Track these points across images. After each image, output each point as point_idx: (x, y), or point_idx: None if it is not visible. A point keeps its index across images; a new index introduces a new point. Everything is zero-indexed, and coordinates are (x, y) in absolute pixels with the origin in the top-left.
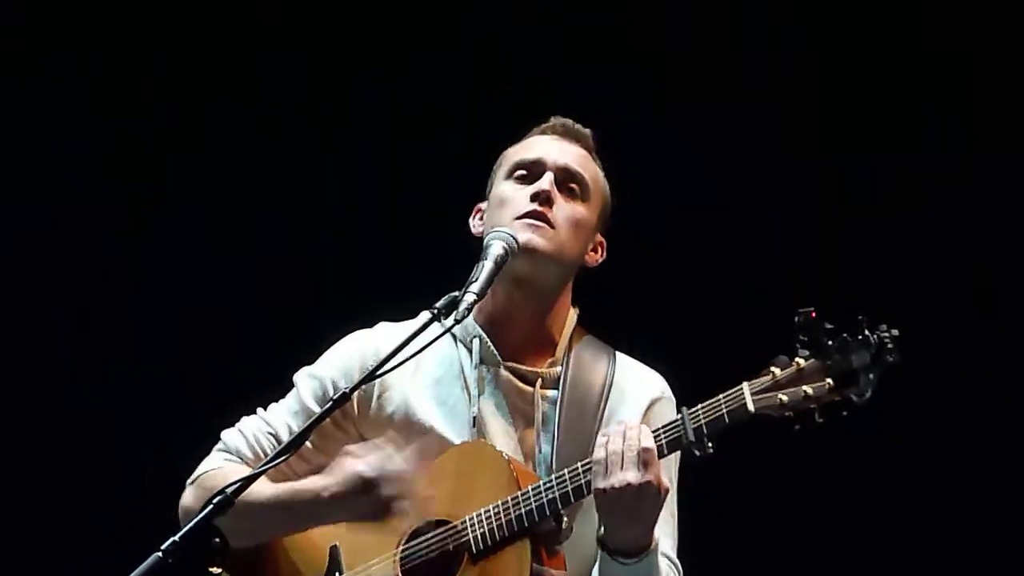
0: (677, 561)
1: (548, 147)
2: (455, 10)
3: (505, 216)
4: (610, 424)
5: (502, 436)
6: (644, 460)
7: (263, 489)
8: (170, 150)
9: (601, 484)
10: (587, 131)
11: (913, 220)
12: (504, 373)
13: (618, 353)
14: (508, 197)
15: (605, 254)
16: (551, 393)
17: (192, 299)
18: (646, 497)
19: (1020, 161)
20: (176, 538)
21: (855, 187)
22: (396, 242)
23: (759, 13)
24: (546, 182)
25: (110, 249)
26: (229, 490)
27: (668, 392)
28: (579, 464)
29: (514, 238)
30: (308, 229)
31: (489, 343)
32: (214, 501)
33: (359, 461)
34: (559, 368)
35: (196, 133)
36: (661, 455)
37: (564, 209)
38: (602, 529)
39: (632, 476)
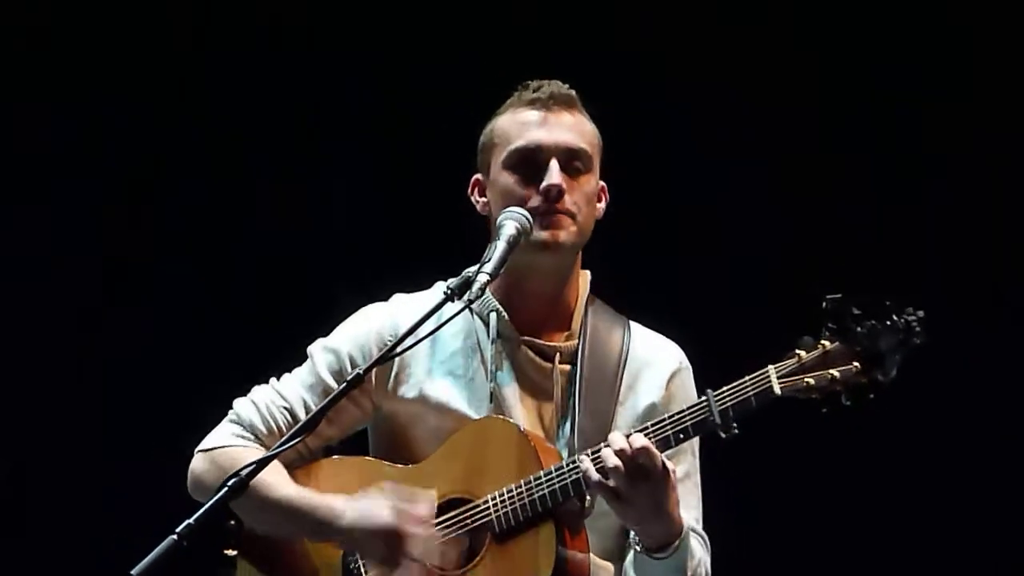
0: (703, 533)
1: (543, 129)
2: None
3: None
4: (628, 399)
5: (521, 412)
6: (645, 462)
7: (280, 486)
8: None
9: (614, 504)
10: (570, 90)
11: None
12: (522, 348)
13: (632, 323)
14: (514, 192)
15: (607, 197)
16: (569, 368)
17: (200, 273)
18: (657, 493)
19: None
20: (191, 521)
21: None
22: (406, 214)
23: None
24: (555, 175)
25: (116, 212)
26: (244, 472)
27: (685, 361)
28: (601, 443)
29: (528, 220)
30: (320, 200)
31: (507, 317)
32: (229, 484)
33: (389, 508)
34: (576, 341)
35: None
36: (687, 437)
37: (576, 192)
38: (631, 533)
39: (639, 483)
